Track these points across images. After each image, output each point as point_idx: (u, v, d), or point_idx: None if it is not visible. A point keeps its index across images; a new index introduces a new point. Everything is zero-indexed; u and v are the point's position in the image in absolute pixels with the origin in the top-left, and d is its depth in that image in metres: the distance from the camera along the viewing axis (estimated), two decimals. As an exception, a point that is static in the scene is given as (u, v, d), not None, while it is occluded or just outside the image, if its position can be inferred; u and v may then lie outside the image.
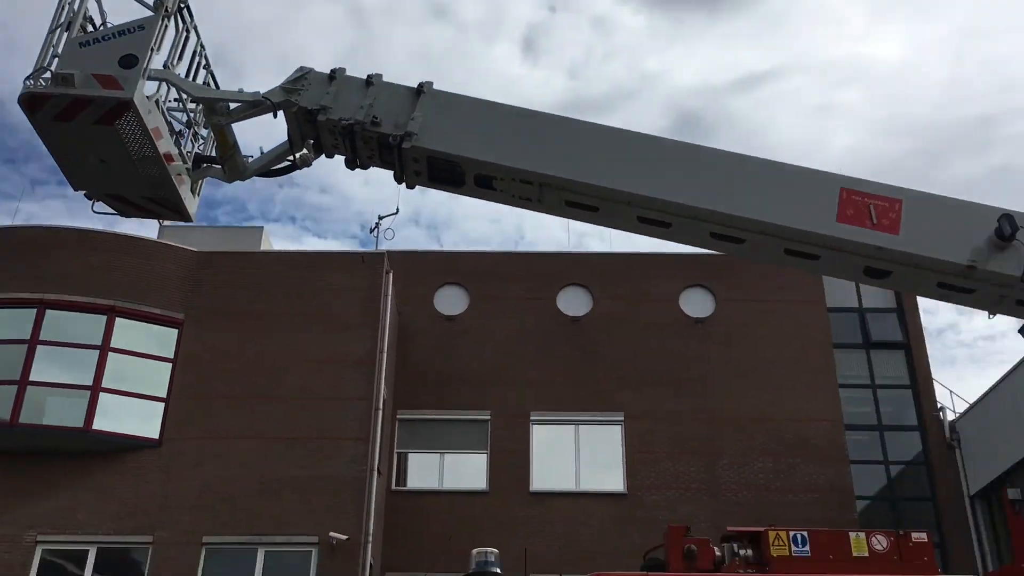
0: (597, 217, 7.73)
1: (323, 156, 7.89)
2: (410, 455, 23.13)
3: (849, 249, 7.13)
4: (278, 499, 19.29)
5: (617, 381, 23.19)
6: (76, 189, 7.40)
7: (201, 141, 8.09)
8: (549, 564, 8.18)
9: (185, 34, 7.69)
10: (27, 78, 6.43)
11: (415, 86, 7.60)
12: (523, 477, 22.21)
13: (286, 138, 7.86)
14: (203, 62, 7.96)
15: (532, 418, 22.89)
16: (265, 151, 8.10)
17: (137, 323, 20.26)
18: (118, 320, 19.92)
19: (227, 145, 7.73)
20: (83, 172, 7.26)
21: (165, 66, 7.22)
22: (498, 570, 6.60)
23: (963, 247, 6.98)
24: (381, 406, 20.62)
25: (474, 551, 6.65)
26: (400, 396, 22.96)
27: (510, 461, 22.38)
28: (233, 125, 7.69)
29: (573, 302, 23.94)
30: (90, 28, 6.88)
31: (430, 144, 7.33)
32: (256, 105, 7.53)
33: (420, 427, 23.12)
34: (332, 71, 7.53)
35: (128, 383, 19.70)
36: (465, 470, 22.61)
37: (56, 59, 6.47)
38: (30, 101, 6.36)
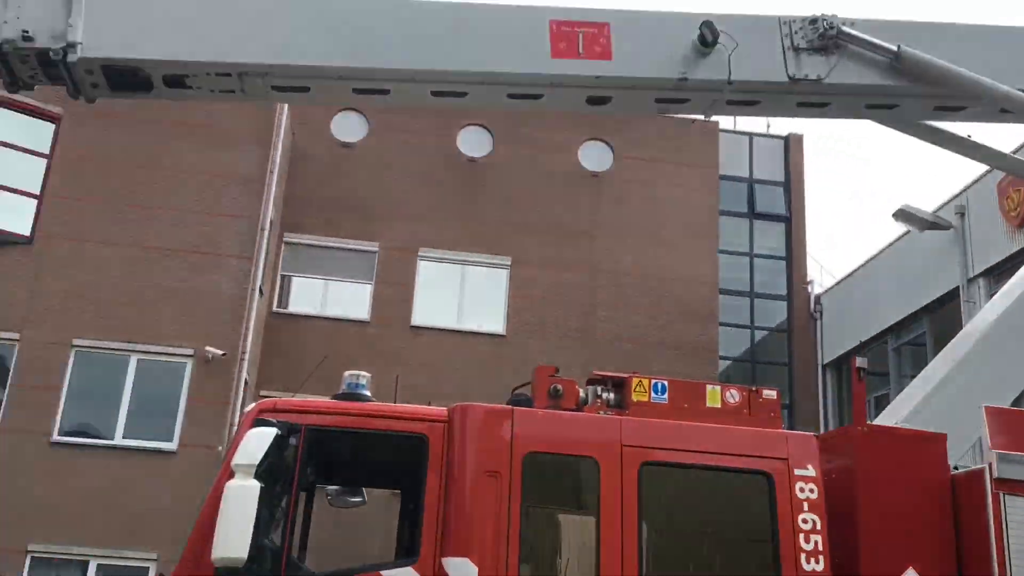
0: (308, 97, 7.47)
1: None
2: (294, 279, 23.03)
3: (568, 83, 7.23)
4: (154, 309, 19.04)
5: (508, 226, 23.36)
6: None
7: None
8: (420, 395, 8.39)
9: None
10: None
11: None
12: (405, 311, 22.46)
13: None
14: None
15: (420, 254, 22.95)
16: None
17: (12, 113, 19.11)
18: (-9, 108, 18.74)
19: None
20: None
21: None
22: (367, 393, 6.72)
23: (673, 61, 7.14)
24: (267, 226, 20.28)
25: (346, 373, 6.74)
26: (288, 219, 22.59)
27: (394, 294, 22.55)
28: None
29: (474, 143, 23.67)
30: None
31: (100, 52, 6.35)
32: None
33: (306, 252, 22.93)
34: None
35: (-1, 176, 18.74)
36: (348, 299, 22.70)
37: None
38: None
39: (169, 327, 18.99)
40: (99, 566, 17.55)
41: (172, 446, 18.35)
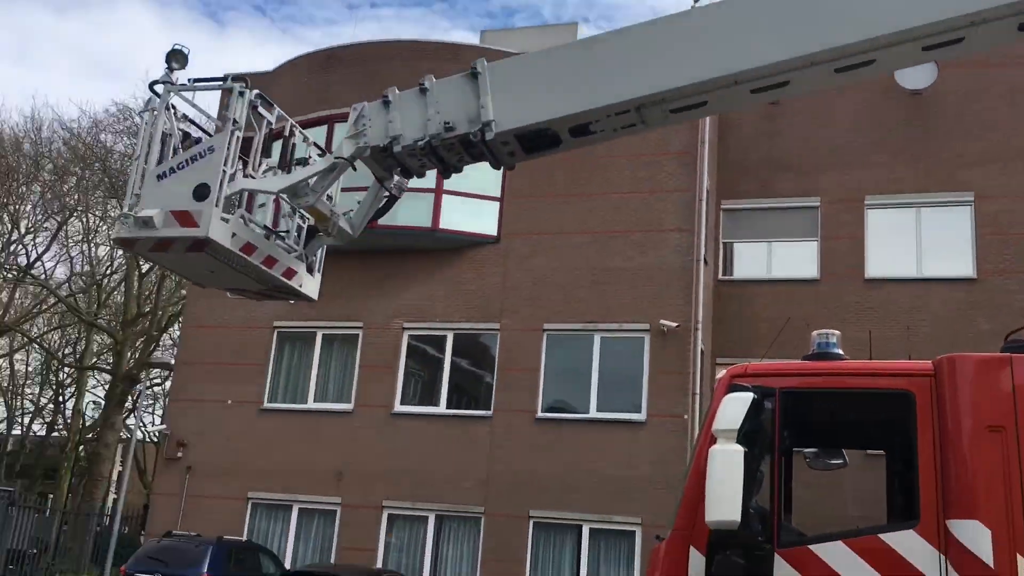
0: (707, 110, 7.25)
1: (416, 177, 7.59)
2: (736, 245, 22.94)
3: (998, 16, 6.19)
4: (608, 289, 20.17)
5: (965, 159, 21.11)
6: (202, 286, 7.99)
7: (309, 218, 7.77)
8: (891, 350, 7.85)
9: (268, 128, 7.54)
10: (118, 218, 6.76)
11: (468, 72, 7.16)
12: (857, 264, 21.31)
13: (374, 179, 7.61)
14: (293, 139, 7.85)
15: (867, 202, 21.61)
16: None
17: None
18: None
19: (324, 216, 7.51)
20: (200, 276, 7.58)
21: (246, 173, 7.16)
22: (840, 351, 6.45)
23: None
24: (704, 197, 20.50)
25: (814, 333, 6.53)
26: (724, 187, 22.60)
27: (843, 248, 21.50)
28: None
29: (914, 74, 21.67)
30: (177, 140, 6.91)
31: (512, 124, 6.95)
32: (333, 168, 7.27)
33: (745, 216, 22.73)
34: (384, 97, 7.28)
35: (465, 185, 21.05)
36: (794, 258, 22.10)
37: (138, 197, 6.66)
38: (122, 243, 6.91)
39: (624, 305, 20.02)
40: (591, 531, 19.03)
41: (641, 416, 19.31)
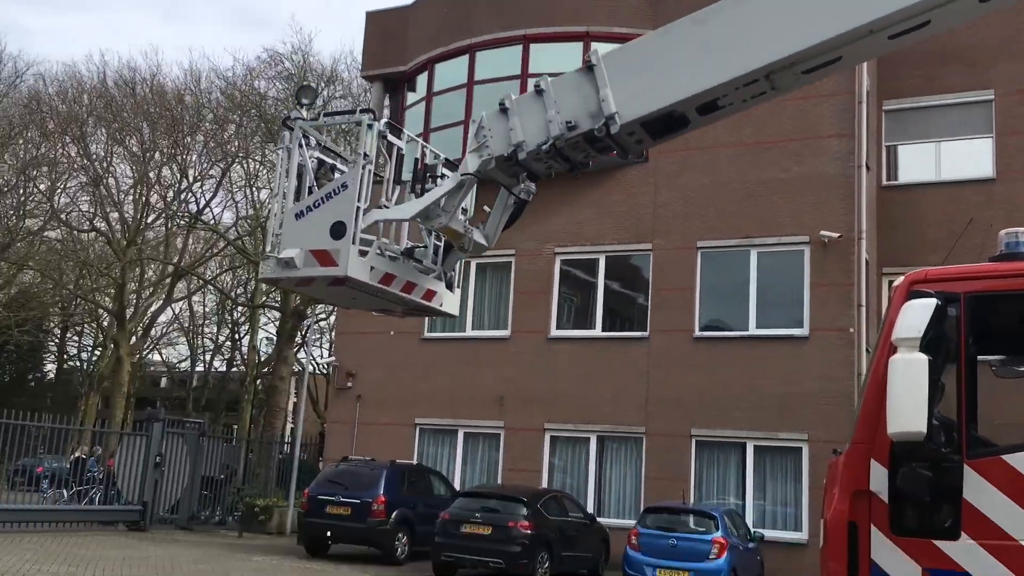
0: (841, 64, 6.79)
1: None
2: (900, 147, 21.68)
3: None
4: (765, 202, 19.52)
5: None
6: (347, 308, 7.95)
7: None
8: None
9: (399, 156, 7.49)
10: (263, 258, 6.97)
11: (583, 66, 6.87)
12: (1040, 160, 19.78)
13: (502, 188, 7.49)
14: (428, 161, 7.70)
15: (1048, 91, 19.92)
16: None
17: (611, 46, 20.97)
18: (594, 45, 20.73)
19: (459, 233, 7.39)
20: (345, 302, 7.79)
21: (380, 204, 7.20)
22: (1031, 251, 6.00)
23: None
24: (864, 98, 19.38)
25: (1002, 232, 6.08)
26: (885, 86, 21.28)
27: (1020, 144, 19.96)
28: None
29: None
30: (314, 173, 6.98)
31: (636, 113, 6.70)
32: (461, 185, 7.16)
33: (910, 116, 21.39)
34: (501, 105, 7.08)
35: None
36: (965, 158, 20.70)
37: (279, 237, 6.84)
38: (268, 283, 7.18)
39: (782, 217, 19.34)
40: (755, 448, 18.82)
41: (803, 331, 18.77)
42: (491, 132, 7.10)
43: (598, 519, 18.47)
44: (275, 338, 44.44)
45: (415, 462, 21.33)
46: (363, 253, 6.67)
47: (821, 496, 6.33)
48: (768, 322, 19.26)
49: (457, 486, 20.55)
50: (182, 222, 45.67)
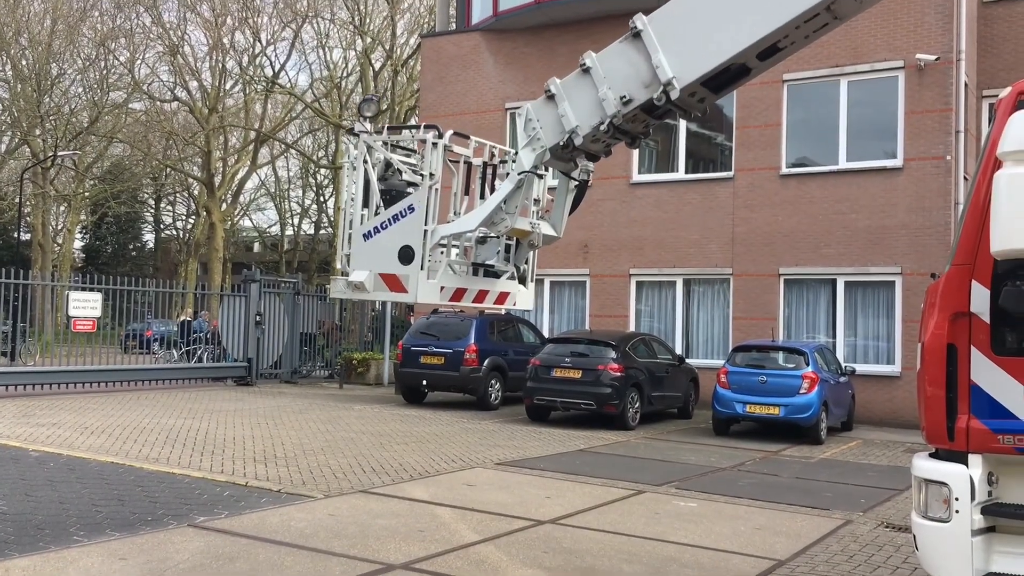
0: None
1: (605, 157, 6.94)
2: (1004, -42, 20.10)
3: None
4: (853, 27, 18.45)
5: None
6: None
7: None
8: None
9: (466, 163, 7.29)
10: (333, 279, 6.98)
11: (627, 34, 6.31)
12: None
13: (561, 174, 7.08)
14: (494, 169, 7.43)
15: None
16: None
17: None
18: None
19: (526, 231, 7.09)
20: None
21: (448, 218, 7.03)
22: None
23: None
24: (966, -95, 17.89)
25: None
26: None
27: None
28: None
29: None
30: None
31: (695, 74, 6.22)
32: (521, 185, 6.74)
33: (1016, -77, 19.71)
34: (547, 91, 6.62)
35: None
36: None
37: (348, 257, 6.75)
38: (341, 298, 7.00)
39: (874, 42, 18.34)
40: (846, 283, 18.54)
41: (897, 162, 18.08)
42: (540, 123, 6.78)
43: (686, 360, 18.65)
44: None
45: (503, 312, 21.71)
46: (433, 275, 6.69)
47: (915, 329, 6.24)
48: (859, 155, 18.58)
49: (545, 334, 20.90)
50: (259, 87, 45.80)
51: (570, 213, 7.47)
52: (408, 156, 7.11)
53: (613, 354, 15.83)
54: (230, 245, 58.49)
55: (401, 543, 7.14)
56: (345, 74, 46.45)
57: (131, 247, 66.36)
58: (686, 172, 20.75)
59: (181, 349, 23.76)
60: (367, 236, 6.68)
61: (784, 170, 19.35)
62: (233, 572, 6.12)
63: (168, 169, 52.10)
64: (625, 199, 21.14)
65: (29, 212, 46.92)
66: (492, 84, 22.93)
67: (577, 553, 7.09)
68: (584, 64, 6.64)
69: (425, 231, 6.42)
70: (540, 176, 7.20)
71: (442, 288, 6.81)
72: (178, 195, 61.67)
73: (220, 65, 44.26)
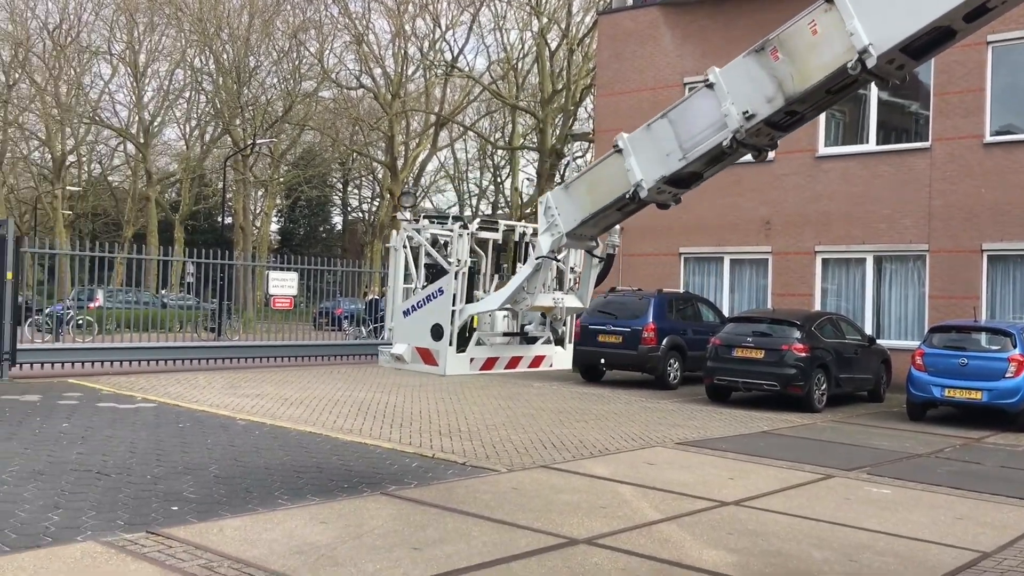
0: None
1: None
2: None
3: None
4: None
5: None
6: None
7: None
8: None
9: (495, 245, 7.33)
10: (380, 350, 6.83)
11: (814, 8, 6.09)
12: None
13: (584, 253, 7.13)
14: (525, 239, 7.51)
15: None
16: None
17: None
18: None
19: (549, 307, 7.85)
20: None
21: (474, 296, 7.07)
22: None
23: None
24: None
25: None
26: None
27: None
28: None
29: None
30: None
31: (893, 40, 6.05)
32: (539, 269, 7.77)
33: None
34: (615, 145, 7.09)
35: None
36: None
37: (391, 331, 6.84)
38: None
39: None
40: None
41: (1120, 127, 16.50)
42: (559, 211, 7.32)
43: (877, 341, 17.79)
44: (535, 178, 45.41)
45: (682, 290, 21.40)
46: (463, 350, 7.28)
47: None
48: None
49: (726, 314, 20.46)
50: (439, 71, 46.95)
51: (598, 284, 8.11)
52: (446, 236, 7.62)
53: (798, 334, 15.31)
54: (412, 226, 60.42)
55: (584, 518, 7.21)
56: (521, 55, 46.92)
57: (321, 229, 69.86)
58: (877, 143, 19.72)
59: (369, 326, 24.82)
60: (406, 313, 7.52)
61: (988, 138, 18.05)
62: (424, 539, 6.37)
63: (354, 154, 54.39)
64: (810, 173, 20.34)
65: (231, 197, 50.24)
66: (670, 59, 22.54)
67: (763, 536, 6.94)
68: (764, 44, 6.49)
69: (453, 311, 7.13)
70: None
71: (471, 360, 7.51)
72: (364, 179, 64.31)
73: (402, 52, 45.70)
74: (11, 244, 15.12)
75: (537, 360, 8.21)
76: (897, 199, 19.06)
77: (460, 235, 7.35)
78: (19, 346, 15.47)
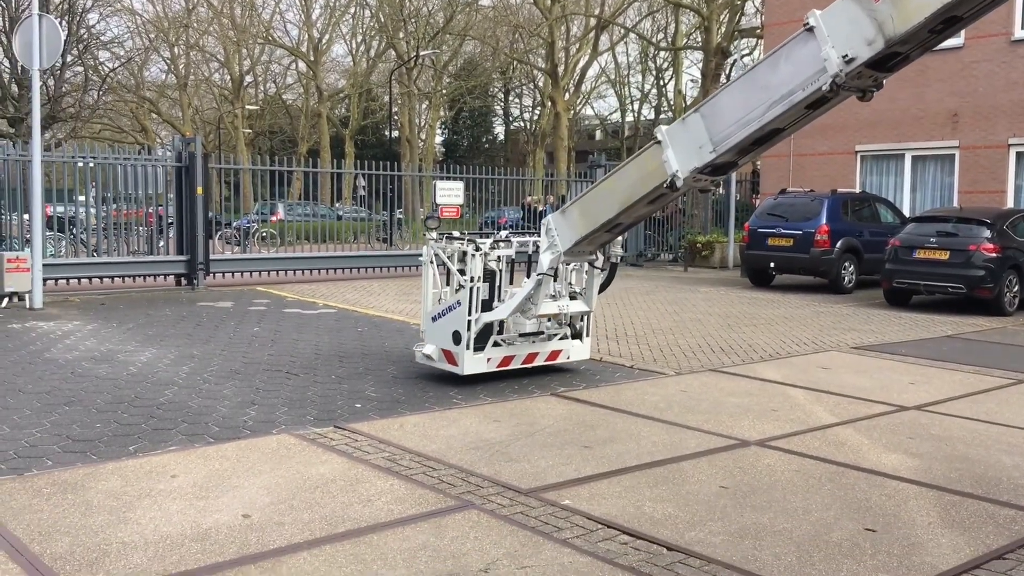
0: None
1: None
2: None
3: None
4: None
5: None
6: None
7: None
8: None
9: (508, 261, 8.60)
10: (415, 346, 8.69)
11: None
12: None
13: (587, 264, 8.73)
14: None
15: None
16: None
17: None
18: None
19: (554, 315, 8.68)
20: None
21: (491, 306, 8.37)
22: None
23: None
24: None
25: None
26: None
27: None
28: None
29: None
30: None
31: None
32: (540, 284, 8.22)
33: None
34: (654, 136, 7.25)
35: None
36: None
37: (424, 332, 8.56)
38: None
39: None
40: None
41: None
42: (558, 232, 7.98)
43: (1078, 240, 16.43)
44: (700, 80, 43.90)
45: (858, 190, 20.38)
46: (479, 349, 8.22)
47: None
48: None
49: (907, 214, 19.38)
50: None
51: (601, 291, 8.84)
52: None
53: (988, 232, 14.34)
54: (574, 134, 60.05)
55: (754, 421, 7.14)
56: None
57: (483, 140, 70.47)
58: (1084, 22, 17.88)
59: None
60: (434, 319, 8.47)
61: None
62: (594, 438, 6.49)
63: (515, 62, 54.17)
64: (1005, 59, 18.70)
65: (397, 111, 51.27)
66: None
67: (947, 440, 6.66)
68: (807, 23, 6.15)
69: (469, 321, 8.10)
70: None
71: (488, 359, 8.33)
72: (524, 88, 64.09)
73: (561, -48, 44.70)
74: (200, 160, 16.06)
75: (553, 355, 8.71)
76: (1107, 83, 17.31)
77: (473, 255, 8.00)
78: (211, 257, 16.56)
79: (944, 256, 14.51)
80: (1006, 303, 14.32)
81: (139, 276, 16.05)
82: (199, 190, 16.03)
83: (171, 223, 16.79)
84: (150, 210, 16.56)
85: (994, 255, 14.12)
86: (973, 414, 7.54)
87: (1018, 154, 18.74)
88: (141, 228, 16.73)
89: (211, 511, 4.82)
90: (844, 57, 5.90)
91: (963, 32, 19.11)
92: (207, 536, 4.47)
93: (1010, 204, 18.49)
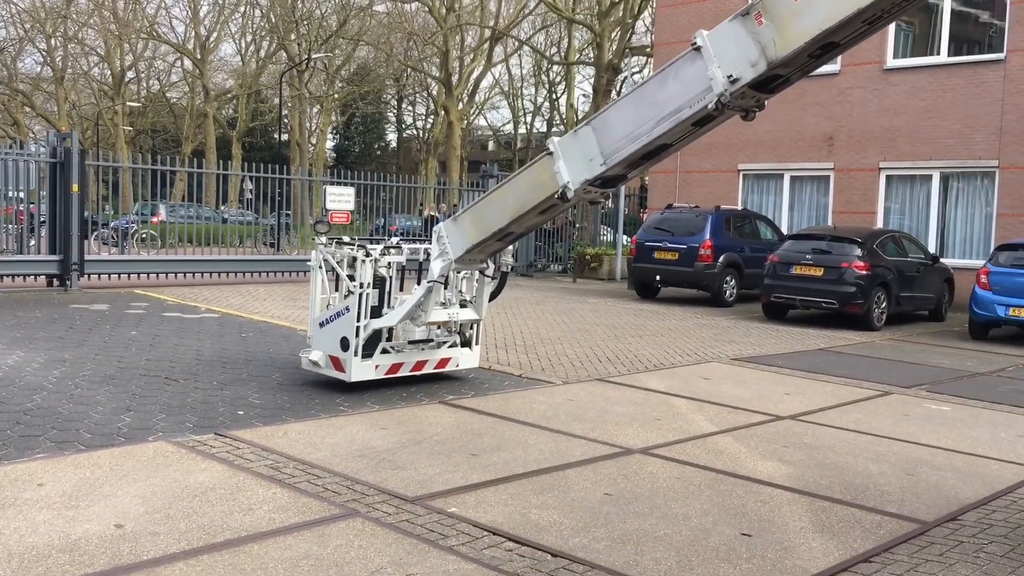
0: None
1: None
2: None
3: None
4: None
5: None
6: None
7: None
8: None
9: (399, 268, 8.59)
10: (302, 352, 8.53)
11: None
12: None
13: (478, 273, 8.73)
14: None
15: None
16: None
17: None
18: None
19: (444, 322, 8.55)
20: None
21: (382, 312, 8.32)
22: None
23: None
24: None
25: None
26: None
27: None
28: None
29: None
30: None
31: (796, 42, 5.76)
32: (431, 291, 8.18)
33: None
34: (546, 148, 7.37)
35: None
36: None
37: (311, 338, 8.45)
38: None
39: None
40: None
41: None
42: (449, 239, 7.97)
43: (941, 260, 17.41)
44: (591, 94, 44.66)
45: (740, 207, 21.09)
46: (369, 357, 8.12)
47: None
48: None
49: (784, 231, 20.15)
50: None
51: (492, 300, 8.86)
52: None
53: (859, 251, 15.05)
54: (467, 144, 60.19)
55: (639, 429, 7.28)
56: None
57: (376, 147, 69.93)
58: (949, 55, 18.98)
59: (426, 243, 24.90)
60: (322, 325, 8.36)
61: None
62: (481, 446, 6.50)
63: (409, 70, 53.98)
64: (877, 86, 19.70)
65: (287, 114, 50.34)
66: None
67: (819, 449, 6.94)
68: (695, 42, 6.34)
69: (358, 327, 8.03)
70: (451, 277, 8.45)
71: (376, 366, 8.27)
72: (418, 96, 63.95)
73: (456, -37, 44.84)
74: (76, 157, 15.40)
75: (443, 362, 8.74)
76: (967, 114, 18.41)
77: (363, 261, 7.99)
78: (87, 257, 15.88)
79: (819, 272, 15.15)
80: (875, 318, 15.05)
81: (7, 276, 15.25)
82: (74, 188, 15.36)
83: (43, 221, 16.02)
84: (20, 207, 15.77)
85: (864, 273, 14.82)
86: (843, 424, 7.88)
87: (888, 177, 19.74)
88: (10, 226, 15.92)
89: (81, 521, 4.61)
90: (729, 77, 6.07)
91: (839, 59, 20.04)
92: (76, 547, 4.27)
93: (880, 225, 19.45)
